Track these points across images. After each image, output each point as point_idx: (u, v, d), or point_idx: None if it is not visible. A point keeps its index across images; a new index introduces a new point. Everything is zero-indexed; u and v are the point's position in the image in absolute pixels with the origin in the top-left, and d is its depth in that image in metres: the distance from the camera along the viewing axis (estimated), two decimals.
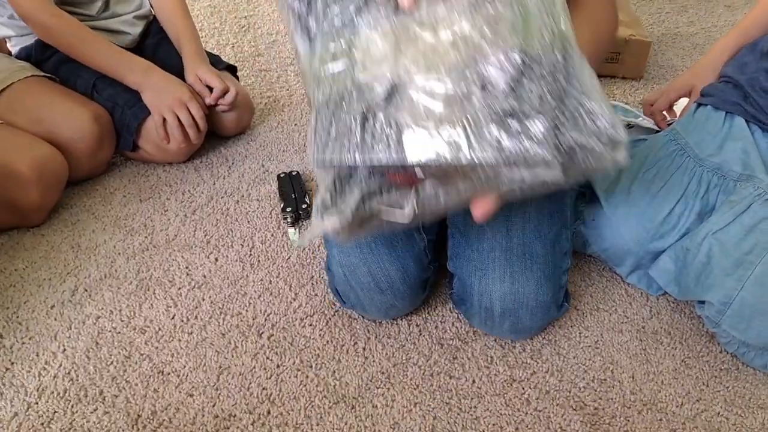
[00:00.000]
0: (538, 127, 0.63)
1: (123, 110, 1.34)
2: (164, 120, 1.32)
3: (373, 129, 0.65)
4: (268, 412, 0.90)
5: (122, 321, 1.03)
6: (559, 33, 0.67)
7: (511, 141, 0.62)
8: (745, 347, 0.97)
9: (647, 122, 1.41)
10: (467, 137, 0.63)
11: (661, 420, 0.90)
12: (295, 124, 1.55)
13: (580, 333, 1.03)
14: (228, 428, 0.88)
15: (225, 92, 1.39)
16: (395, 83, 0.66)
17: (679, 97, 1.32)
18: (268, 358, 0.97)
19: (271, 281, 1.11)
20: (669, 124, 1.31)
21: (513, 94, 0.64)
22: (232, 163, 1.41)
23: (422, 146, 0.63)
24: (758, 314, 0.91)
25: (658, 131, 1.34)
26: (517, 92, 0.64)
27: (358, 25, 0.69)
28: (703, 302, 0.99)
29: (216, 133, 1.48)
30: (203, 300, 1.07)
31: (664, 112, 1.33)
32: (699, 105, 1.14)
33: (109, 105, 1.34)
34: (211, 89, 1.38)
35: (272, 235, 1.21)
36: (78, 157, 1.27)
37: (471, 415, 0.90)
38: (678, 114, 1.31)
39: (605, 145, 0.64)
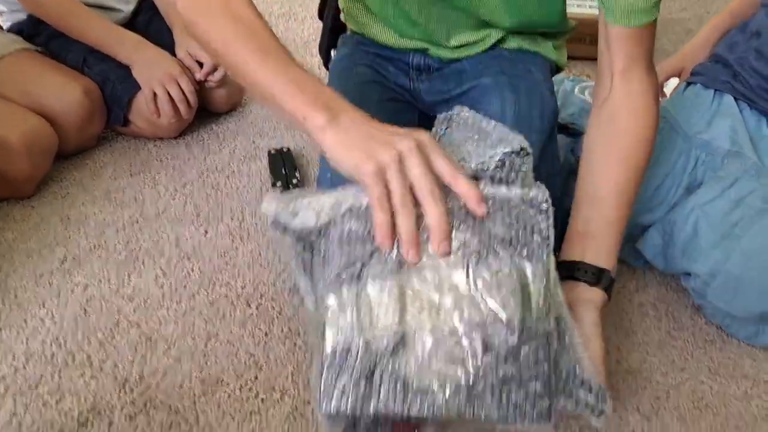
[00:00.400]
0: (535, 393, 0.69)
1: (114, 85, 1.34)
2: (155, 95, 1.32)
3: (380, 382, 0.68)
4: (256, 378, 0.90)
5: (111, 289, 1.03)
6: (555, 300, 0.73)
7: (511, 405, 0.68)
8: (730, 319, 0.98)
9: None
10: (469, 397, 0.68)
11: (645, 388, 0.91)
12: None
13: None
14: (215, 392, 0.88)
15: (215, 68, 1.38)
16: (401, 338, 0.70)
17: (669, 78, 1.33)
18: (256, 326, 0.98)
19: (260, 253, 1.11)
20: None
21: (512, 359, 0.69)
22: (223, 140, 1.42)
23: (426, 401, 0.68)
24: (743, 286, 0.92)
25: None
26: (517, 358, 0.69)
27: (364, 279, 0.71)
28: (689, 274, 1.00)
29: (207, 109, 1.48)
30: (192, 270, 1.07)
31: None
32: (689, 84, 1.15)
33: (99, 79, 1.33)
34: (201, 65, 1.38)
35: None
36: (68, 130, 1.27)
37: None
38: (669, 95, 1.32)
39: (592, 412, 0.72)
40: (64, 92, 1.26)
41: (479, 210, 0.72)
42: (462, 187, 0.72)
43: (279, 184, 1.24)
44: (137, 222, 1.17)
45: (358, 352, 0.70)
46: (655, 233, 1.04)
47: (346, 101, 0.72)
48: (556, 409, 0.71)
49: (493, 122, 0.80)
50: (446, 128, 0.82)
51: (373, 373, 0.69)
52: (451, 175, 0.71)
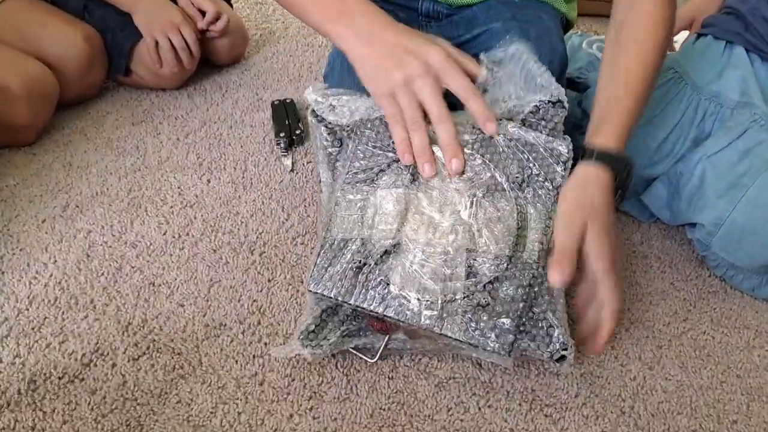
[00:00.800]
0: (502, 327, 0.74)
1: (114, 33, 1.32)
2: (156, 43, 1.30)
3: (366, 279, 0.75)
4: (259, 323, 0.90)
5: (113, 236, 1.03)
6: (548, 247, 0.77)
7: (477, 331, 0.73)
8: (734, 270, 0.98)
9: None
10: (442, 313, 0.74)
11: (647, 337, 0.91)
12: (290, 55, 1.54)
13: None
14: (218, 336, 0.88)
15: (217, 17, 1.37)
16: (395, 245, 0.76)
17: (680, 30, 1.31)
18: (259, 272, 0.98)
19: (263, 202, 1.11)
20: None
21: (492, 290, 0.75)
22: (226, 91, 1.40)
23: (403, 307, 0.74)
24: (748, 236, 0.92)
25: None
26: (495, 290, 0.75)
27: (377, 184, 0.79)
28: (694, 225, 1.00)
29: (210, 61, 1.46)
30: (195, 218, 1.07)
31: None
32: (699, 35, 1.13)
33: (100, 27, 1.31)
34: (203, 14, 1.36)
35: (265, 160, 1.20)
36: (68, 77, 1.25)
37: None
38: (678, 48, 1.30)
39: (551, 357, 0.76)
40: (64, 38, 1.25)
41: (488, 128, 0.77)
42: (473, 104, 0.76)
43: (282, 134, 1.23)
44: (139, 170, 1.17)
45: (353, 247, 0.76)
46: (661, 186, 1.03)
47: (367, 4, 0.78)
48: (518, 347, 0.76)
49: (543, 68, 0.84)
50: (501, 62, 0.85)
51: (361, 269, 0.75)
52: (465, 93, 0.75)
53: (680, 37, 1.31)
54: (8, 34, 1.23)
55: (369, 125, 0.82)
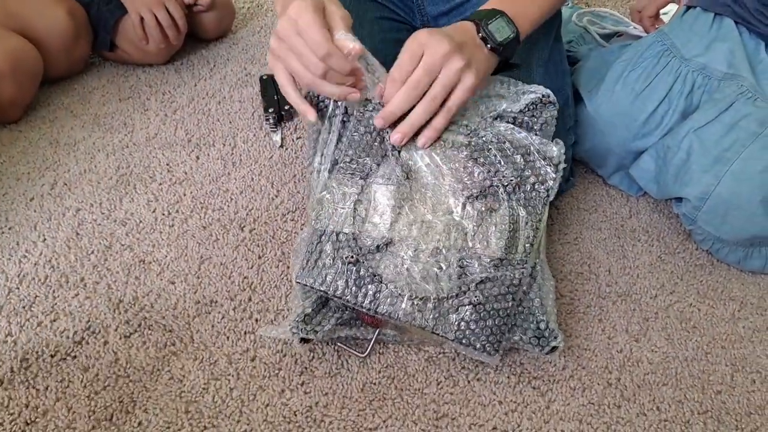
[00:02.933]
0: (492, 327, 0.75)
1: (99, 7, 1.30)
2: (142, 20, 1.28)
3: (357, 275, 0.75)
4: (249, 299, 0.91)
5: (102, 213, 1.02)
6: (536, 247, 0.79)
7: (468, 330, 0.74)
8: (719, 243, 0.99)
9: (637, 30, 1.39)
10: (434, 313, 0.74)
11: (634, 310, 0.93)
12: None
13: (559, 230, 1.04)
14: (209, 313, 0.89)
15: None
16: (387, 242, 0.76)
17: (667, 3, 1.30)
18: (249, 249, 0.98)
19: (252, 179, 1.10)
20: None
21: (483, 289, 0.75)
22: (214, 66, 1.39)
23: (394, 304, 0.74)
24: (733, 209, 0.93)
25: None
26: (486, 289, 0.75)
27: (372, 178, 0.79)
28: (680, 200, 1.01)
29: (197, 35, 1.44)
30: (184, 195, 1.07)
31: (653, 19, 1.31)
32: (688, 8, 1.12)
33: (84, 1, 1.29)
34: None
35: (254, 136, 1.20)
36: (53, 53, 1.24)
37: None
38: (667, 21, 1.29)
39: (542, 349, 0.78)
40: (48, 13, 1.23)
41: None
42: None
43: (271, 110, 1.22)
44: (127, 147, 1.16)
45: (344, 241, 0.77)
46: (649, 159, 1.04)
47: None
48: (509, 340, 0.78)
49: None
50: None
51: (353, 264, 0.76)
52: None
53: (669, 9, 1.30)
54: None
55: (365, 113, 0.81)
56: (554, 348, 0.78)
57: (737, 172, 0.91)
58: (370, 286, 0.75)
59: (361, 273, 0.75)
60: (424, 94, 0.75)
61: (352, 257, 0.75)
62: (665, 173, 0.99)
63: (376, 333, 0.82)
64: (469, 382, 0.82)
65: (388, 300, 0.74)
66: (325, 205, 0.78)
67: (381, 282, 0.75)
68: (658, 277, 0.97)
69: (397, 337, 0.83)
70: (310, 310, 0.78)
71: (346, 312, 0.80)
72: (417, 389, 0.81)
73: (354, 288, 0.75)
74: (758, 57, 1.00)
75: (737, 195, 0.91)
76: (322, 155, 0.83)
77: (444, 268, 0.76)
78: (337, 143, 0.82)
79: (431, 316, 0.74)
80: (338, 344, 0.84)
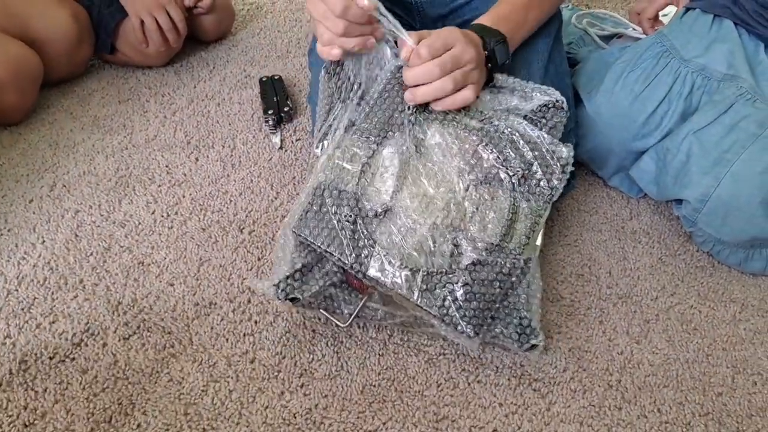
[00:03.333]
0: (476, 309, 0.75)
1: (99, 10, 1.30)
2: (142, 23, 1.28)
3: (352, 235, 0.76)
4: (249, 301, 0.90)
5: (101, 215, 1.02)
6: (533, 242, 0.80)
7: (452, 308, 0.74)
8: (720, 245, 0.99)
9: (636, 32, 1.39)
10: (421, 286, 0.74)
11: (635, 312, 0.92)
12: (278, 31, 1.52)
13: (560, 232, 1.04)
14: (209, 315, 0.88)
15: None
16: (387, 209, 0.77)
17: (667, 5, 1.30)
18: (248, 251, 0.98)
19: (252, 180, 1.10)
20: None
21: (473, 271, 0.75)
22: (213, 68, 1.39)
23: (384, 270, 0.75)
24: (733, 211, 0.92)
25: None
26: (476, 272, 0.75)
27: (383, 145, 0.80)
28: (680, 202, 1.00)
29: (196, 37, 1.45)
30: (184, 197, 1.06)
31: (653, 21, 1.31)
32: (687, 9, 1.12)
33: (85, 3, 1.29)
34: None
35: (254, 137, 1.20)
36: (55, 56, 1.24)
37: None
38: (666, 24, 1.29)
39: (521, 345, 0.77)
40: (52, 16, 1.22)
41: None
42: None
43: (271, 112, 1.22)
44: (126, 149, 1.16)
45: (346, 199, 0.77)
46: (649, 160, 1.04)
47: None
48: (490, 332, 0.78)
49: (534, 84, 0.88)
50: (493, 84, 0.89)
51: (351, 223, 0.76)
52: None
53: (669, 11, 1.30)
54: None
55: (399, 74, 0.82)
56: (534, 346, 0.78)
57: (737, 174, 0.91)
58: (363, 249, 0.75)
59: (357, 234, 0.76)
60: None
61: (350, 216, 0.76)
62: (665, 175, 0.99)
63: (362, 301, 0.81)
64: (469, 384, 0.82)
65: (378, 265, 0.75)
66: (334, 161, 0.79)
67: (374, 247, 0.75)
68: (658, 279, 0.97)
69: (380, 312, 0.82)
70: (300, 265, 0.78)
71: (336, 276, 0.80)
72: (417, 391, 0.81)
73: (348, 248, 0.75)
74: (758, 58, 0.99)
75: (737, 196, 0.91)
76: (330, 135, 0.86)
77: (438, 243, 0.76)
78: (358, 105, 0.85)
79: (418, 288, 0.74)
80: (321, 311, 0.83)
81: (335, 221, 0.76)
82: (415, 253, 0.75)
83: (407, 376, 0.82)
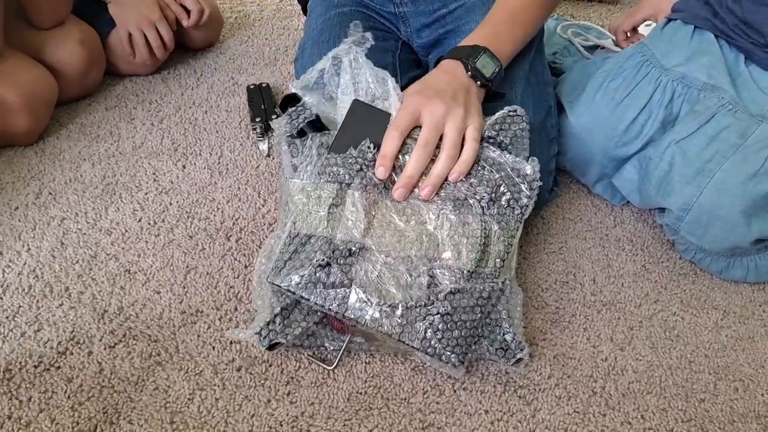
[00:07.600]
0: (458, 338, 0.75)
1: (90, 21, 1.29)
2: (130, 35, 1.28)
3: (328, 278, 0.75)
4: (236, 309, 0.91)
5: (88, 223, 1.02)
6: (508, 263, 0.81)
7: (434, 340, 0.74)
8: (702, 253, 1.00)
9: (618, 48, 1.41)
10: (401, 321, 0.74)
11: (619, 319, 0.93)
12: (266, 39, 1.53)
13: (545, 240, 1.04)
14: (195, 323, 0.88)
15: (201, 14, 1.35)
16: (360, 247, 0.77)
17: (645, 20, 1.32)
18: (235, 259, 0.98)
19: (239, 188, 1.10)
20: None
21: (452, 300, 0.76)
22: (201, 75, 1.39)
23: (363, 309, 0.74)
24: (715, 220, 0.94)
25: None
26: (455, 300, 0.76)
27: (352, 186, 0.80)
28: (663, 210, 1.02)
29: (184, 45, 1.45)
30: (170, 204, 1.06)
31: (629, 34, 1.33)
32: (669, 20, 1.14)
33: (74, 13, 1.29)
34: (185, 8, 1.35)
35: (241, 145, 1.20)
36: (66, 81, 1.22)
37: None
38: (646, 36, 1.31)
39: (507, 361, 0.79)
40: (61, 43, 1.21)
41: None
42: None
43: (258, 119, 1.22)
44: (113, 156, 1.16)
45: (317, 244, 0.77)
46: (631, 169, 1.05)
47: None
48: (476, 351, 0.79)
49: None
50: None
51: (324, 267, 0.75)
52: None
53: (649, 27, 1.32)
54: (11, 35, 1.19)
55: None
56: (519, 359, 0.79)
57: (719, 183, 0.92)
58: (339, 290, 0.75)
59: (332, 277, 0.75)
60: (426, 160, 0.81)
61: (323, 260, 0.75)
62: (648, 184, 1.01)
63: (345, 342, 0.82)
64: (455, 391, 0.82)
65: (357, 305, 0.75)
66: (300, 208, 0.79)
67: (351, 287, 0.75)
68: (642, 286, 0.98)
69: (364, 345, 0.83)
70: (279, 309, 0.78)
71: (317, 316, 0.80)
72: (403, 399, 0.81)
73: (324, 291, 0.75)
74: (738, 69, 1.01)
75: (719, 206, 0.92)
76: (294, 161, 0.85)
77: (414, 276, 0.76)
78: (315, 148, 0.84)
79: (398, 324, 0.74)
80: (307, 356, 0.84)
81: (310, 267, 0.75)
82: (392, 289, 0.75)
83: (393, 383, 0.83)
